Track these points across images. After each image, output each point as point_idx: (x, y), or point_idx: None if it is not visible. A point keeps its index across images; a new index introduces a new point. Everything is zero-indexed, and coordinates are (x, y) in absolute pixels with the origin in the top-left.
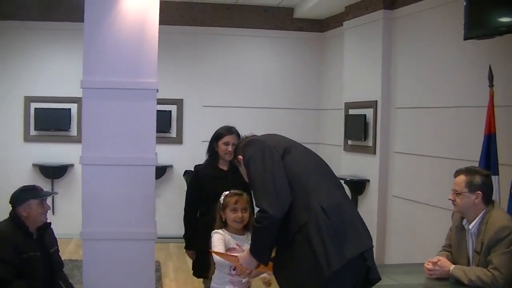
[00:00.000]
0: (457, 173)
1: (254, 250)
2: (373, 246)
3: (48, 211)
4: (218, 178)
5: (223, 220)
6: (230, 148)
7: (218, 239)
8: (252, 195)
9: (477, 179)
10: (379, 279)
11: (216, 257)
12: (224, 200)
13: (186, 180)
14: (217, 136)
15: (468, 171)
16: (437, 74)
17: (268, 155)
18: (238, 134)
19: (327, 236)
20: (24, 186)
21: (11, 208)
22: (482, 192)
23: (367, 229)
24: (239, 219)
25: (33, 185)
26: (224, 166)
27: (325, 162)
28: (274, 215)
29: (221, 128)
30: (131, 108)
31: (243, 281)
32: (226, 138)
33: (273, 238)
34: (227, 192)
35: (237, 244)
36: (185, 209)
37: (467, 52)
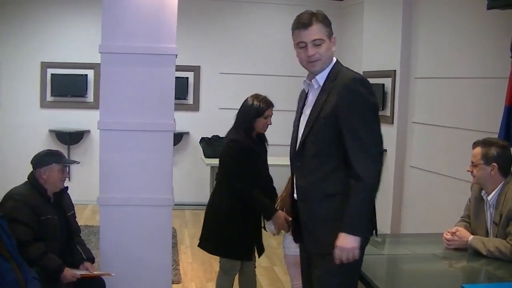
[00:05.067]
0: (474, 144)
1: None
2: None
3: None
4: (258, 153)
5: None
6: (269, 121)
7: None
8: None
9: (493, 151)
10: None
11: None
12: None
13: (202, 147)
14: (259, 112)
15: (484, 142)
16: (458, 44)
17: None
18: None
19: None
20: (49, 150)
21: (30, 171)
22: (498, 164)
23: None
24: None
25: (57, 151)
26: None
27: None
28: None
29: (260, 102)
30: (150, 73)
31: None
32: (268, 112)
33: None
34: None
35: None
36: (242, 188)
37: (489, 22)
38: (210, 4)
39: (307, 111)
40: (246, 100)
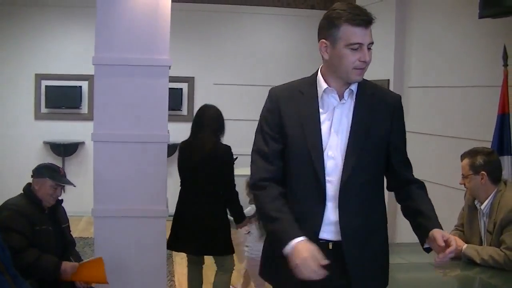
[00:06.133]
0: (462, 157)
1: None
2: None
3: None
4: None
5: None
6: None
7: None
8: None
9: (479, 159)
10: None
11: None
12: None
13: None
14: None
15: (470, 153)
16: (451, 53)
17: None
18: None
19: None
20: (51, 164)
21: (26, 183)
22: (486, 172)
23: None
24: None
25: (58, 168)
26: None
27: None
28: None
29: None
30: (143, 84)
31: None
32: None
33: None
34: None
35: None
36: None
37: (481, 31)
38: (203, 15)
39: (338, 127)
40: (214, 110)
